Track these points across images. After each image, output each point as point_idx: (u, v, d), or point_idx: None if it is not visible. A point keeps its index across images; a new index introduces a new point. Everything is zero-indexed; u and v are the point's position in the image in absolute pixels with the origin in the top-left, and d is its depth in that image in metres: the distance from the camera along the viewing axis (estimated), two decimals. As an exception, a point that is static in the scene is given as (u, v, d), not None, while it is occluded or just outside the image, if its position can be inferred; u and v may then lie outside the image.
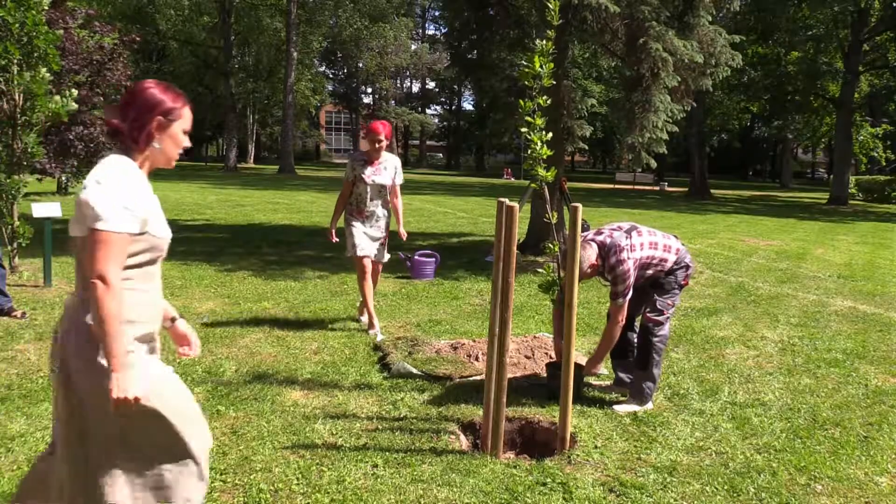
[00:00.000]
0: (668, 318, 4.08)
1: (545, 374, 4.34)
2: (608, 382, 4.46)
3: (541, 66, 3.51)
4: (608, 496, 2.98)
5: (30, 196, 10.97)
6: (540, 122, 3.54)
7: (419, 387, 4.23)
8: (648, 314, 4.07)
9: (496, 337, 3.28)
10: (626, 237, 3.95)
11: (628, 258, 3.89)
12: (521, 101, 3.54)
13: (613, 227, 4.07)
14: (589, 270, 3.91)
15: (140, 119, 2.02)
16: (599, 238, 3.99)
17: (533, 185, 3.67)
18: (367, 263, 5.45)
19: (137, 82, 2.08)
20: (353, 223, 5.46)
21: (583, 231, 3.91)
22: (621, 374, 4.31)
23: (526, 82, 3.57)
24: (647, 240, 4.01)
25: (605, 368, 4.57)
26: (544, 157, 3.56)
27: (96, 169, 1.98)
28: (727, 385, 4.53)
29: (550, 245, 3.85)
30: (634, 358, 4.20)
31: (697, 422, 3.86)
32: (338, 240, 5.60)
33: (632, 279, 3.90)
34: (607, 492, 3.01)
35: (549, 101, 3.61)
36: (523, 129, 3.58)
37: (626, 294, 3.93)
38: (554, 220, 3.76)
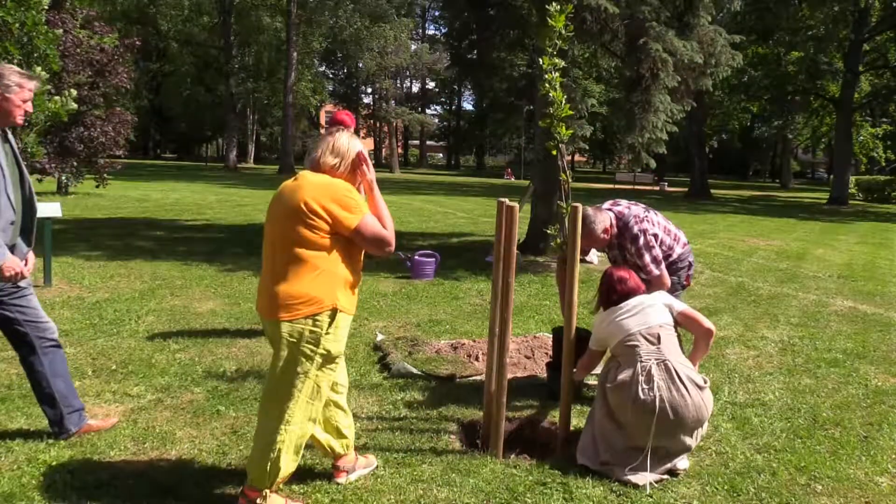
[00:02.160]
0: None
1: (545, 375, 4.33)
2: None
3: (564, 27, 3.44)
4: (608, 496, 2.97)
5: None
6: (559, 79, 3.48)
7: (419, 387, 4.23)
8: None
9: (496, 337, 3.28)
10: (645, 210, 3.90)
11: (651, 220, 3.80)
12: (543, 59, 3.48)
13: (629, 202, 4.02)
14: (603, 236, 3.79)
15: None
16: (616, 209, 3.90)
17: (549, 144, 3.59)
18: None
19: None
20: None
21: None
22: None
23: (547, 40, 3.51)
24: (662, 222, 3.95)
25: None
26: (564, 115, 3.49)
27: None
28: (727, 385, 4.53)
29: (561, 205, 3.69)
30: None
31: (697, 422, 3.86)
32: None
33: (661, 246, 3.80)
34: (607, 492, 3.01)
35: (563, 64, 3.55)
36: (546, 86, 3.51)
37: (659, 261, 3.81)
38: (569, 181, 3.61)
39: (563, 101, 3.47)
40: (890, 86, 31.71)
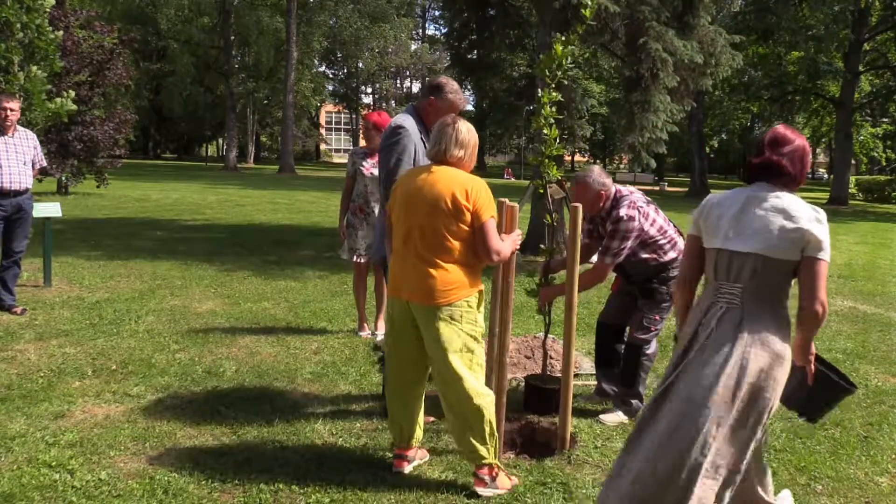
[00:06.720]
0: (655, 334, 3.84)
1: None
2: (590, 388, 4.28)
3: (563, 59, 3.39)
4: (608, 496, 2.97)
5: (30, 196, 10.95)
6: (555, 115, 3.45)
7: (419, 387, 4.22)
8: (635, 334, 3.82)
9: (496, 337, 3.28)
10: (647, 203, 3.71)
11: (639, 219, 3.56)
12: (543, 92, 3.45)
13: (634, 188, 3.83)
14: (596, 197, 3.60)
15: (804, 164, 2.56)
16: (620, 187, 3.73)
17: (536, 182, 3.64)
18: (363, 268, 5.32)
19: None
20: (353, 223, 5.32)
21: None
22: (605, 385, 4.08)
23: (546, 71, 3.45)
24: (660, 221, 3.71)
25: (588, 363, 4.54)
26: (556, 154, 3.47)
27: (808, 207, 2.50)
28: (727, 385, 4.52)
29: (542, 248, 3.77)
30: (619, 372, 3.95)
31: (697, 422, 3.85)
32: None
33: (629, 243, 3.56)
34: (607, 492, 3.01)
35: (560, 98, 3.54)
36: (541, 122, 3.48)
37: (618, 255, 3.56)
38: (554, 224, 3.69)
39: (556, 140, 3.46)
40: (890, 86, 31.68)
